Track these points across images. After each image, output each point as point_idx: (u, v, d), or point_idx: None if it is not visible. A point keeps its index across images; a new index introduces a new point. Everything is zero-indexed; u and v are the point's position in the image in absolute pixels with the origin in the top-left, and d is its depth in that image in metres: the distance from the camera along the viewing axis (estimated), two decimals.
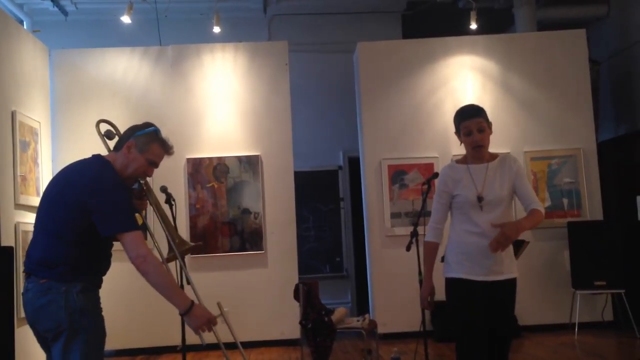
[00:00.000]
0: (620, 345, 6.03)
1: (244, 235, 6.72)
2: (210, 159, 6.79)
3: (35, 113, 6.26)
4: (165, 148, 2.89)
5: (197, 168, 6.76)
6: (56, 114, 6.79)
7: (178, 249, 3.21)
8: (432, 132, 6.93)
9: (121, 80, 6.91)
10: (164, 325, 5.94)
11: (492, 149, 3.25)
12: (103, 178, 2.67)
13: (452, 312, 3.15)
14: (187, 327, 2.89)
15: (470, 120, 3.12)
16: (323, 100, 8.59)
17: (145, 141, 2.82)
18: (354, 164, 8.00)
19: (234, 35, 7.76)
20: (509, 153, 3.54)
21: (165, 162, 3.02)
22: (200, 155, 6.80)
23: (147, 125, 2.91)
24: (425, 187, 4.46)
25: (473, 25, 7.28)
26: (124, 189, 2.72)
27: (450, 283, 3.16)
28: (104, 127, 3.27)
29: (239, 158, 6.81)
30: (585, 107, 7.04)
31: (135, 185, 2.96)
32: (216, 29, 7.29)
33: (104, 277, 2.84)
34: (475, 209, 3.09)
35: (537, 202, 3.11)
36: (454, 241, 3.18)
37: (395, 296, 6.59)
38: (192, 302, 2.72)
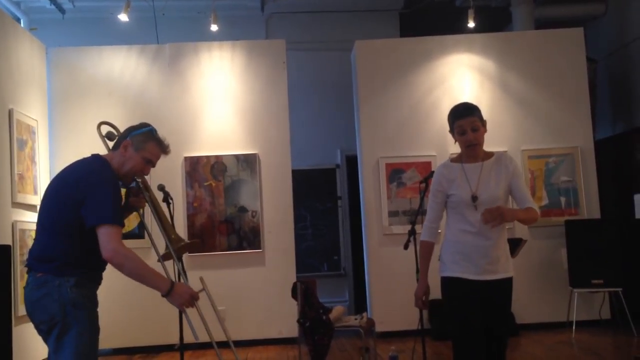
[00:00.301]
0: (617, 344, 6.04)
1: (242, 234, 6.72)
2: (207, 157, 6.78)
3: (33, 111, 6.25)
4: (162, 147, 2.95)
5: (194, 166, 6.76)
6: (53, 112, 6.78)
7: (173, 245, 3.22)
8: (429, 130, 6.93)
9: (118, 78, 6.90)
10: (161, 324, 5.94)
11: (490, 147, 3.25)
12: (94, 172, 2.73)
13: (448, 311, 3.15)
14: (185, 327, 2.89)
15: (464, 119, 3.10)
16: (321, 98, 8.59)
17: (142, 140, 2.89)
18: (352, 163, 8.00)
19: (232, 33, 7.75)
20: (505, 152, 3.53)
21: (163, 161, 3.04)
22: (197, 153, 6.80)
23: (144, 125, 2.97)
24: (423, 185, 4.47)
25: (471, 24, 7.27)
26: (113, 185, 2.76)
27: (446, 282, 3.16)
28: (104, 129, 3.28)
29: (236, 156, 6.81)
30: (582, 105, 7.04)
31: (133, 184, 2.99)
32: (214, 27, 7.28)
33: (104, 276, 2.86)
34: (470, 209, 3.08)
35: (533, 203, 3.12)
36: (449, 240, 3.18)
37: (393, 294, 6.59)
38: (172, 281, 2.76)
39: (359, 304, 8.20)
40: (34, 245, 2.78)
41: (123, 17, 6.96)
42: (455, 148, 3.24)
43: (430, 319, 6.36)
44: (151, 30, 7.49)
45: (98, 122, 3.34)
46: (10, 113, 5.70)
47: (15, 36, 6.04)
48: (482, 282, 3.07)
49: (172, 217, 3.77)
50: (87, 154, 2.91)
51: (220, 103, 6.93)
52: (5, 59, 5.75)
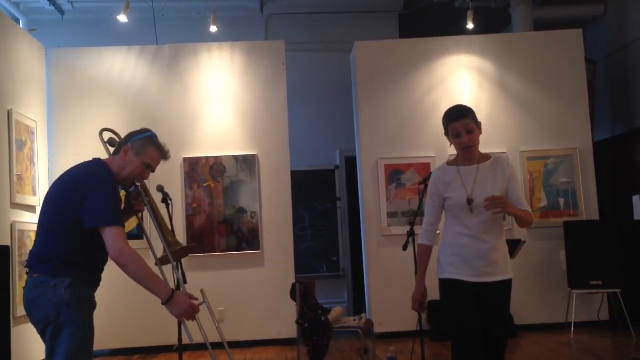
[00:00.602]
0: (616, 345, 6.04)
1: (241, 235, 6.72)
2: (207, 158, 6.79)
3: (32, 112, 6.25)
4: (162, 152, 2.99)
5: (193, 167, 6.76)
6: (52, 113, 6.78)
7: (170, 249, 3.24)
8: (428, 131, 6.92)
9: (118, 79, 6.90)
10: (160, 325, 5.93)
11: (489, 148, 3.26)
12: (93, 175, 2.77)
13: (446, 313, 3.16)
14: (184, 327, 2.90)
15: (458, 121, 3.09)
16: (320, 99, 8.60)
17: (142, 144, 2.93)
18: (351, 164, 8.00)
19: (231, 34, 7.76)
20: (502, 155, 3.53)
21: (162, 161, 3.05)
22: (197, 154, 6.80)
23: (145, 130, 3.02)
24: (422, 186, 4.47)
25: (470, 25, 7.28)
26: (112, 187, 2.79)
27: (444, 284, 3.16)
28: (106, 136, 3.31)
29: (235, 157, 6.81)
30: (581, 106, 7.05)
31: (132, 188, 3.01)
32: (213, 28, 7.28)
33: (103, 277, 2.88)
34: (466, 212, 3.08)
35: (528, 207, 3.13)
36: (446, 242, 3.18)
37: (392, 295, 6.59)
38: (173, 290, 2.77)
39: (358, 304, 8.20)
40: (34, 245, 2.82)
41: (122, 18, 6.96)
42: (454, 149, 3.24)
43: (429, 320, 6.36)
44: (150, 31, 7.49)
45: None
46: (9, 114, 5.70)
47: (15, 37, 6.04)
48: (479, 284, 3.07)
49: (171, 218, 3.78)
50: (86, 155, 2.95)
51: (219, 104, 6.94)
52: (4, 59, 5.75)
